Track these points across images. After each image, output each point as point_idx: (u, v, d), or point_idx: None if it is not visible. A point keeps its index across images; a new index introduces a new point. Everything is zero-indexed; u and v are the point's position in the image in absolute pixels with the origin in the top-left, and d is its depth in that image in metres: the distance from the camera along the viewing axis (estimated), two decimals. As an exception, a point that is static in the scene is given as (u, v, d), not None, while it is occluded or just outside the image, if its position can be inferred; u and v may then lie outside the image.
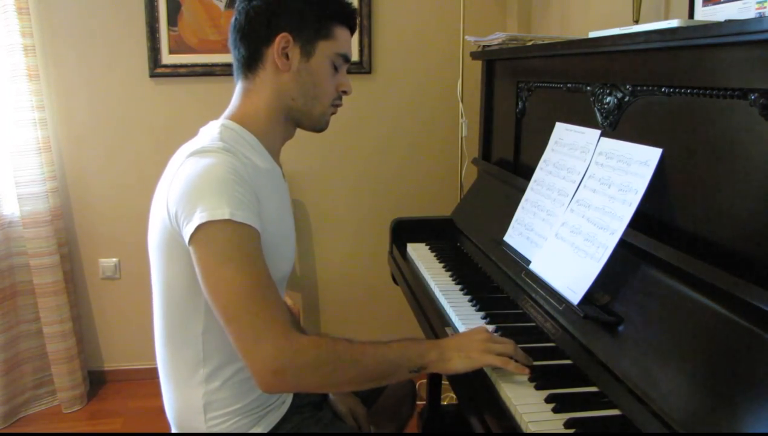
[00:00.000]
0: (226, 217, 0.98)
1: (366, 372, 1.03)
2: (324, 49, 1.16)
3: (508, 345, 1.08)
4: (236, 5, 1.19)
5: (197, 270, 1.02)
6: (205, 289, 1.01)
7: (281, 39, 1.13)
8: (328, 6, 1.17)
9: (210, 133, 1.13)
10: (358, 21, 1.25)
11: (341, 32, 1.18)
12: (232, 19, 1.18)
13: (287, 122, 1.21)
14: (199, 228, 0.99)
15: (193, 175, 1.03)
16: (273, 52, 1.14)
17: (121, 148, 2.57)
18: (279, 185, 1.22)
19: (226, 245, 0.99)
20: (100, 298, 2.67)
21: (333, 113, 1.23)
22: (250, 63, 1.17)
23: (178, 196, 1.03)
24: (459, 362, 1.06)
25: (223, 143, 1.09)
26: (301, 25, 1.14)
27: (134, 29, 2.48)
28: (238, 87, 1.20)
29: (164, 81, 2.54)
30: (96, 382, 2.69)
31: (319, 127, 1.23)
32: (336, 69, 1.20)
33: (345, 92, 1.23)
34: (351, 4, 1.23)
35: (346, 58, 1.21)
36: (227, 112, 1.20)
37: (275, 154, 1.22)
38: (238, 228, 1.00)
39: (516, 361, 1.07)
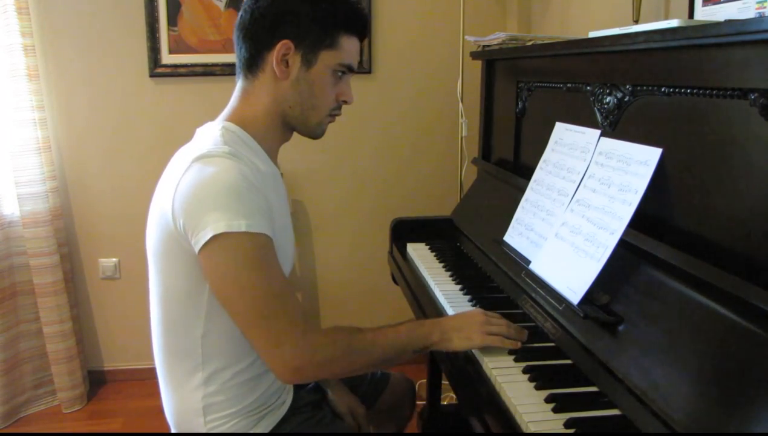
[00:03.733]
0: (243, 229, 0.99)
1: (377, 359, 1.12)
2: (326, 59, 1.13)
3: (502, 326, 1.16)
4: (243, 2, 1.16)
5: (210, 278, 1.03)
6: (222, 296, 1.04)
7: (282, 46, 1.11)
8: (336, 15, 1.13)
9: (211, 135, 1.12)
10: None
11: (348, 42, 1.15)
12: (239, 16, 1.16)
13: (284, 127, 1.19)
14: (214, 238, 0.99)
15: (202, 183, 1.02)
16: (273, 57, 1.12)
17: (121, 148, 2.57)
18: (279, 188, 1.22)
19: (245, 254, 1.01)
20: (100, 298, 2.67)
21: (330, 122, 1.21)
22: (251, 65, 1.15)
23: (185, 203, 1.02)
24: (459, 342, 1.14)
25: (228, 147, 1.07)
26: (305, 33, 1.11)
27: (134, 29, 2.48)
28: (238, 86, 1.19)
29: (164, 81, 2.54)
30: (96, 382, 2.69)
31: (314, 135, 1.21)
32: (338, 77, 1.17)
33: (345, 102, 1.20)
34: (363, 10, 1.20)
35: (350, 68, 1.18)
36: (225, 112, 1.19)
37: (273, 156, 1.21)
38: (254, 238, 1.01)
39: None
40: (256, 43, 1.13)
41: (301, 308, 1.10)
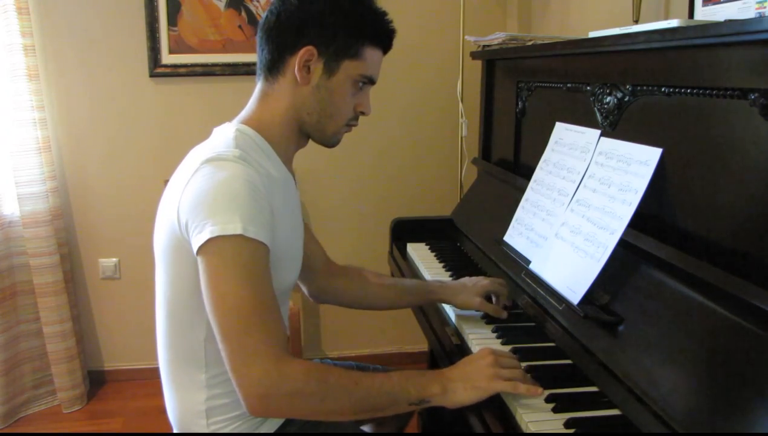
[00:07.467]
0: (239, 232, 0.97)
1: (359, 403, 0.99)
2: (348, 69, 1.12)
3: (515, 370, 1.04)
4: (270, 4, 1.15)
5: (202, 281, 1.00)
6: (207, 301, 0.99)
7: (305, 52, 1.09)
8: (364, 26, 1.12)
9: (225, 137, 1.10)
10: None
11: (372, 53, 1.14)
12: (263, 16, 1.15)
13: (300, 133, 1.18)
14: (210, 241, 0.97)
15: (208, 187, 1.01)
16: (295, 62, 1.10)
17: (121, 148, 2.57)
18: (291, 195, 1.20)
19: (234, 260, 0.97)
20: (100, 298, 2.67)
21: (346, 132, 1.20)
22: (272, 67, 1.14)
23: (190, 205, 1.01)
24: (465, 394, 1.02)
25: (239, 151, 1.06)
26: (330, 41, 1.10)
27: (134, 29, 2.48)
28: (258, 88, 1.17)
29: (164, 81, 2.54)
30: (96, 382, 2.69)
31: (329, 144, 1.19)
32: (359, 88, 1.15)
33: (363, 113, 1.19)
34: (391, 24, 1.17)
35: (371, 80, 1.16)
36: (243, 114, 1.17)
37: (288, 161, 1.19)
38: (248, 244, 0.98)
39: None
40: (279, 46, 1.12)
41: (283, 332, 1.00)
